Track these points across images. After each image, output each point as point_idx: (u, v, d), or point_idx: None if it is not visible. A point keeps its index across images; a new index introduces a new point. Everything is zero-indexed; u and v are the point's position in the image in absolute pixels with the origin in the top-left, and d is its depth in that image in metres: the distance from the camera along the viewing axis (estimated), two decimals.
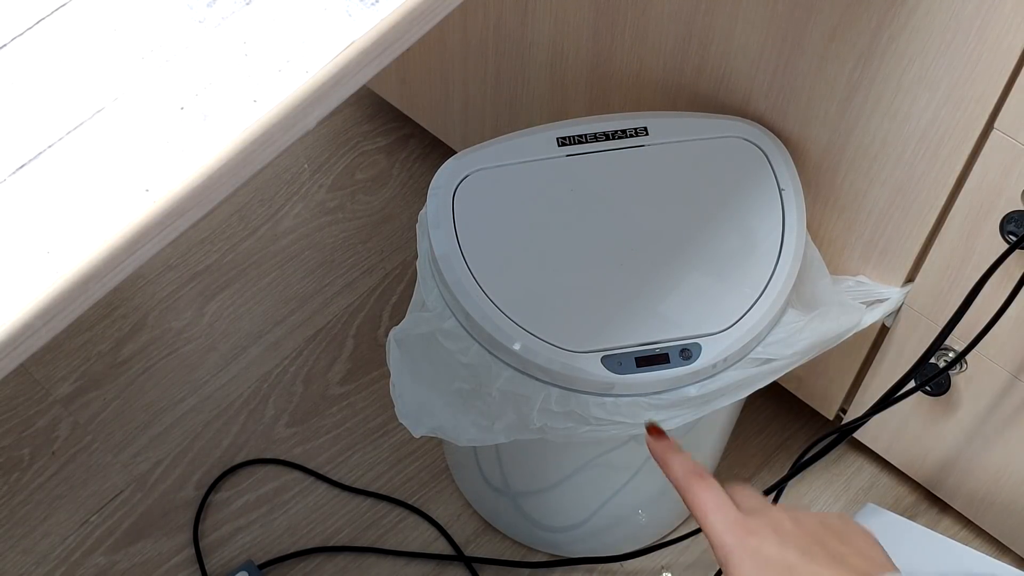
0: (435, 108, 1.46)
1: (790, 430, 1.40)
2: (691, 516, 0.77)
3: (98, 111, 0.55)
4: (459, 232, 1.04)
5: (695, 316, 1.01)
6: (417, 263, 1.07)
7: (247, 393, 1.43)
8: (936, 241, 1.06)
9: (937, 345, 1.03)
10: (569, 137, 1.09)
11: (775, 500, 1.18)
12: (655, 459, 0.88)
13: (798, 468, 1.13)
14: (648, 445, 0.90)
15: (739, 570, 0.75)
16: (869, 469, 1.38)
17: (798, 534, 0.75)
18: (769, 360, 1.03)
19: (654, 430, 0.90)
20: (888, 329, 1.17)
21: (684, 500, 0.81)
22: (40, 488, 1.37)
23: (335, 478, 1.38)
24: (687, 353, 0.99)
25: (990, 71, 0.91)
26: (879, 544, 0.76)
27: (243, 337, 1.47)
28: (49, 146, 0.54)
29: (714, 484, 0.80)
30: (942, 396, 1.14)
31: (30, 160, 0.53)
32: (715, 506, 0.78)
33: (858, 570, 0.73)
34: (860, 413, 1.12)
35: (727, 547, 0.76)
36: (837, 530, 0.77)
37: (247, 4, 0.58)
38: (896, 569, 0.74)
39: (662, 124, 1.10)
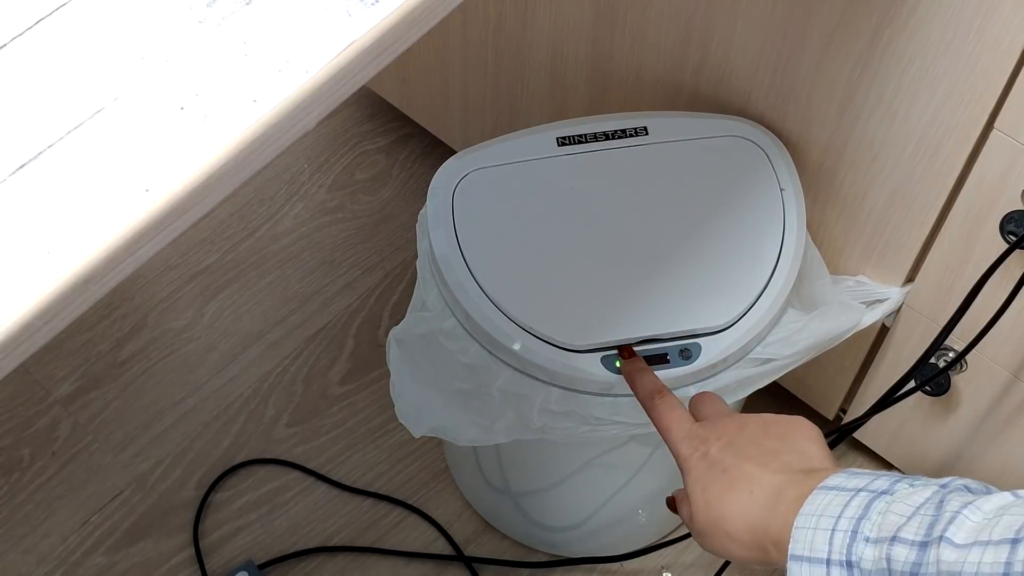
0: (435, 108, 1.46)
1: None
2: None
3: (98, 111, 0.55)
4: (459, 232, 1.04)
5: (695, 316, 1.01)
6: (417, 263, 1.07)
7: (247, 393, 1.43)
8: (936, 241, 1.06)
9: (937, 345, 1.03)
10: (569, 137, 1.09)
11: None
12: (624, 378, 0.93)
13: None
14: (621, 366, 0.97)
15: (690, 476, 0.80)
16: (869, 469, 1.37)
17: (739, 437, 0.80)
18: (769, 360, 1.03)
19: (627, 351, 0.95)
20: (888, 329, 1.17)
21: (649, 417, 0.88)
22: (40, 488, 1.37)
23: (335, 478, 1.38)
24: (687, 353, 0.99)
25: (990, 71, 0.91)
26: (822, 443, 0.80)
27: (243, 337, 1.47)
28: (49, 146, 0.54)
29: (674, 401, 0.87)
30: (942, 396, 1.14)
31: (30, 160, 0.53)
32: (674, 421, 0.84)
33: (789, 466, 0.76)
34: (860, 413, 1.12)
35: (682, 456, 0.82)
36: (778, 430, 0.80)
37: (247, 4, 0.58)
38: (832, 465, 0.77)
39: (662, 124, 1.10)
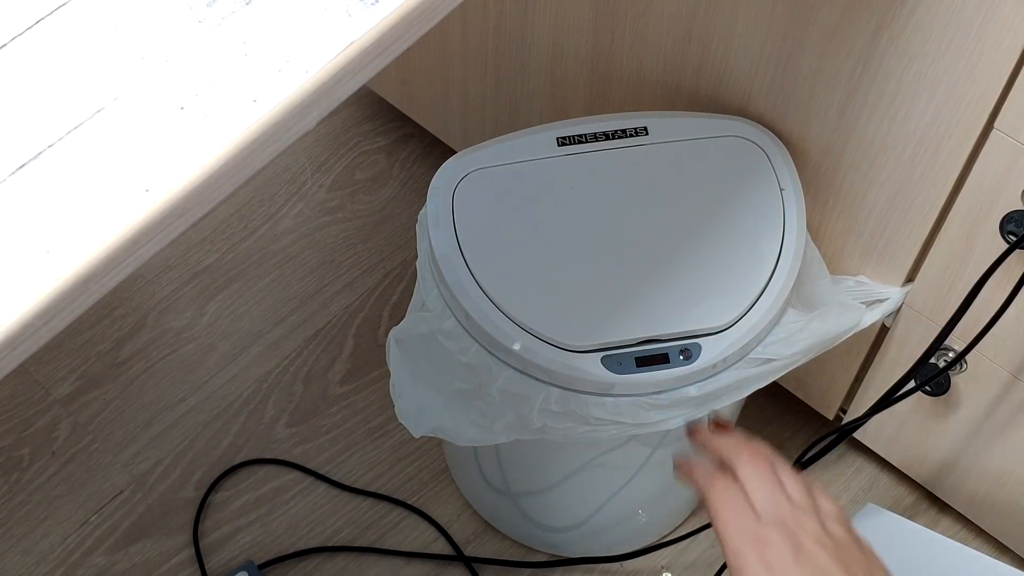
0: (435, 108, 1.46)
1: (790, 430, 1.40)
2: (702, 513, 0.75)
3: (98, 111, 0.55)
4: (459, 232, 1.04)
5: (695, 316, 1.01)
6: (417, 263, 1.07)
7: (247, 393, 1.43)
8: (936, 241, 1.06)
9: (937, 345, 1.03)
10: (569, 137, 1.09)
11: None
12: (693, 441, 0.87)
13: (798, 468, 1.13)
14: (692, 433, 0.88)
15: None
16: (869, 469, 1.38)
17: (819, 557, 0.73)
18: (769, 360, 1.03)
19: (693, 430, 0.89)
20: (888, 329, 1.17)
21: (703, 494, 0.79)
22: (40, 488, 1.37)
23: (335, 478, 1.38)
24: (687, 353, 0.99)
25: (990, 71, 0.91)
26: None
27: (243, 337, 1.47)
28: (49, 146, 0.54)
29: (732, 489, 0.77)
30: (942, 396, 1.14)
31: (30, 160, 0.53)
32: (731, 512, 0.76)
33: None
34: (860, 413, 1.12)
35: (739, 554, 0.74)
36: (854, 554, 0.74)
37: (247, 4, 0.58)
38: None
39: (662, 124, 1.10)
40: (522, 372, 1.01)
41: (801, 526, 0.75)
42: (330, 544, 1.35)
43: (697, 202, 1.06)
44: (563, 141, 1.09)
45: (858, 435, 1.31)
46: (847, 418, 1.28)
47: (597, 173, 1.08)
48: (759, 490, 0.77)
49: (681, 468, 0.85)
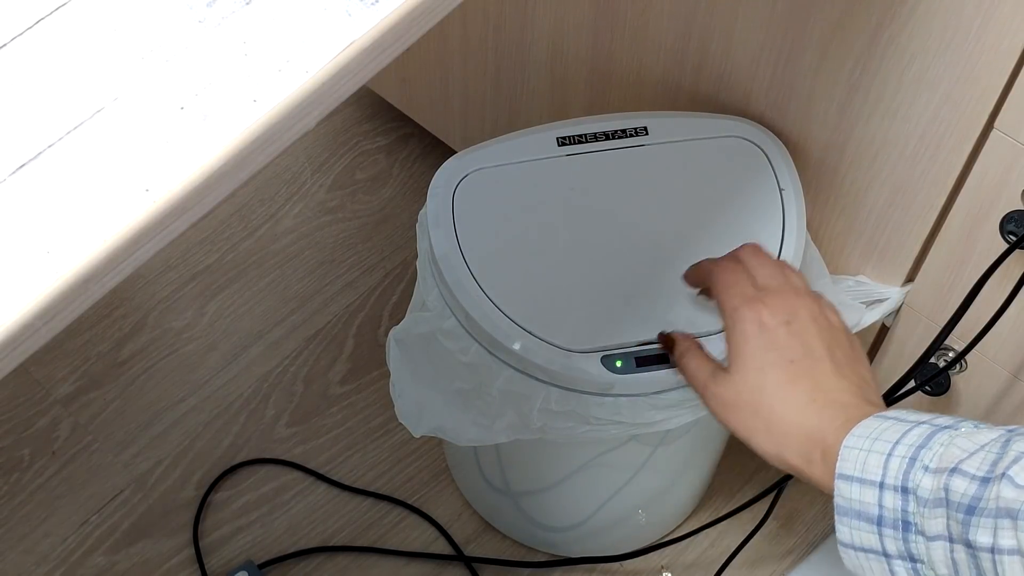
0: (435, 108, 1.46)
1: None
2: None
3: (98, 111, 0.55)
4: (459, 232, 1.04)
5: (695, 317, 1.01)
6: (417, 263, 1.08)
7: (247, 393, 1.43)
8: (936, 241, 1.06)
9: (937, 345, 1.03)
10: (569, 137, 1.09)
11: (775, 500, 1.18)
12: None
13: None
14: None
15: (743, 337, 0.76)
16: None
17: (810, 331, 0.76)
18: None
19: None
20: (888, 329, 1.17)
21: (710, 283, 0.81)
22: (40, 488, 1.37)
23: (335, 478, 1.38)
24: None
25: (990, 70, 0.91)
26: (876, 379, 0.78)
27: (243, 337, 1.47)
28: (49, 146, 0.54)
29: (738, 267, 0.81)
30: (942, 396, 1.14)
31: (30, 160, 0.53)
32: (734, 280, 0.80)
33: (857, 388, 0.74)
34: None
35: (736, 311, 0.77)
36: (845, 351, 0.77)
37: (247, 4, 0.58)
38: (882, 403, 0.75)
39: (662, 124, 1.10)
40: (522, 372, 1.01)
41: (800, 301, 0.77)
42: (330, 544, 1.35)
43: (697, 202, 1.06)
44: (563, 141, 1.09)
45: None
46: None
47: (597, 173, 1.08)
48: (763, 269, 0.81)
49: (688, 274, 0.90)
